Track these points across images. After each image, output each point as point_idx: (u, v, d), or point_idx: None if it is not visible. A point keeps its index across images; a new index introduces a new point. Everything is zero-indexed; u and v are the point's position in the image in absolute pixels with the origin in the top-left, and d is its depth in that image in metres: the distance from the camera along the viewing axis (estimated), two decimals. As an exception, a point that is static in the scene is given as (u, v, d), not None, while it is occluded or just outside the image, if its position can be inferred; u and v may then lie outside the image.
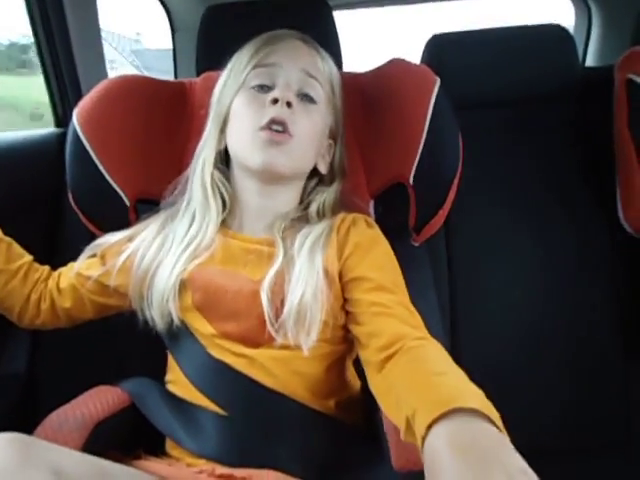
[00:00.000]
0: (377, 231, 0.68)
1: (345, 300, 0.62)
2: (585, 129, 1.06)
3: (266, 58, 0.66)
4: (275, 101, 0.62)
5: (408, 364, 0.51)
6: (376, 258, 0.63)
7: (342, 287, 0.63)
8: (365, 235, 0.65)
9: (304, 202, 0.70)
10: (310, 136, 0.65)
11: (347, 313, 0.62)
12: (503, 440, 0.37)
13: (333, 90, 0.70)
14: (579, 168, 1.05)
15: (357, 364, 0.70)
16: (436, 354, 0.52)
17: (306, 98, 0.65)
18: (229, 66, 0.69)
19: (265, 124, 0.61)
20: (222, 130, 0.68)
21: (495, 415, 0.40)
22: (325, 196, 0.69)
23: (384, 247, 0.66)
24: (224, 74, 0.70)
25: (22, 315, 0.69)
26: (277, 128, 0.61)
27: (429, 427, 0.39)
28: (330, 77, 0.69)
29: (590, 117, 1.06)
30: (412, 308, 0.60)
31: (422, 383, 0.46)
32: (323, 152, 0.70)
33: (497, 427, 0.39)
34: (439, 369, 0.48)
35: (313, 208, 0.68)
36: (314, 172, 0.71)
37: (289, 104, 0.62)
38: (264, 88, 0.65)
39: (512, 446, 0.37)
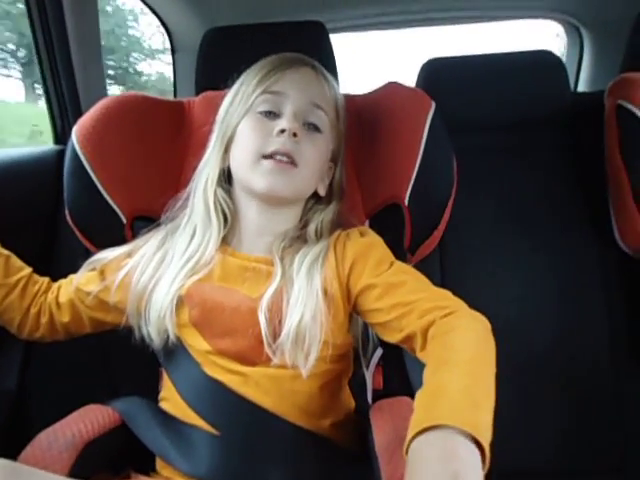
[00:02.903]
0: (371, 237, 0.68)
1: (365, 314, 0.62)
2: (577, 153, 1.08)
3: (274, 85, 0.66)
4: (282, 131, 0.63)
5: (430, 358, 0.52)
6: (375, 261, 0.63)
7: (355, 303, 0.63)
8: (360, 245, 0.65)
9: (302, 220, 0.70)
10: (314, 164, 0.66)
11: (373, 325, 0.63)
12: (468, 464, 0.39)
13: (338, 116, 0.71)
14: (572, 189, 1.07)
15: (352, 384, 0.70)
16: (453, 343, 0.51)
17: (312, 127, 0.66)
18: (236, 87, 0.70)
19: (270, 153, 0.63)
20: (226, 150, 0.69)
21: (482, 435, 0.41)
22: (323, 216, 0.70)
23: (381, 248, 0.66)
24: (230, 94, 0.70)
25: (22, 328, 0.69)
26: (282, 158, 0.63)
27: (414, 436, 0.42)
28: (335, 103, 0.70)
29: (582, 141, 1.08)
30: (425, 284, 0.60)
31: (428, 391, 0.47)
32: (323, 175, 0.71)
33: (483, 448, 0.41)
34: (450, 368, 0.48)
35: (311, 228, 0.68)
36: (313, 192, 0.71)
37: (295, 134, 0.63)
38: (271, 114, 0.66)
39: (478, 473, 0.39)
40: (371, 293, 0.60)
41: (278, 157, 0.63)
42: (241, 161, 0.66)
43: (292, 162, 0.63)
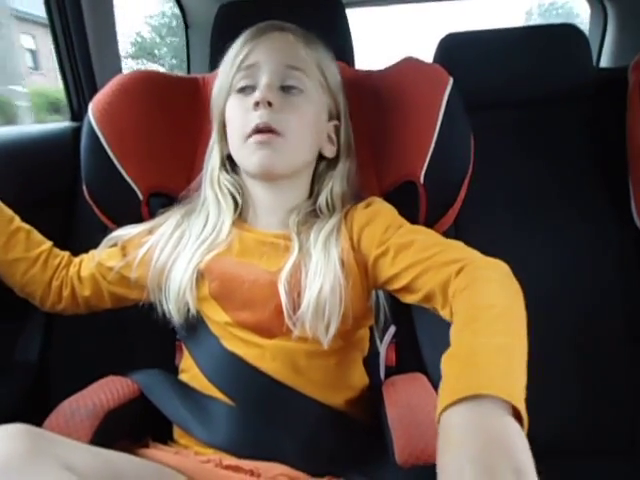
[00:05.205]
0: (377, 205, 0.67)
1: (384, 283, 0.61)
2: (598, 129, 1.05)
3: (247, 59, 0.66)
4: (257, 104, 0.62)
5: (456, 317, 0.49)
6: (383, 227, 0.62)
7: (374, 277, 0.62)
8: (366, 215, 0.65)
9: (314, 191, 0.70)
10: (300, 128, 0.65)
11: (394, 292, 0.61)
12: (512, 436, 0.37)
13: (323, 73, 0.68)
14: (592, 167, 1.04)
15: (367, 362, 0.71)
16: (478, 299, 0.49)
17: (292, 90, 0.65)
18: (220, 68, 0.69)
19: (251, 131, 0.62)
20: (223, 135, 0.70)
21: (518, 401, 0.39)
22: (332, 183, 0.69)
23: (387, 214, 0.65)
24: (218, 77, 0.70)
25: (44, 300, 0.71)
26: (263, 131, 0.62)
27: (448, 406, 0.39)
28: (318, 61, 0.67)
29: (603, 118, 1.05)
30: (436, 238, 0.60)
31: (458, 353, 0.44)
32: (327, 136, 0.70)
33: (520, 414, 0.39)
34: (479, 328, 0.45)
35: (322, 200, 0.68)
36: (323, 156, 0.71)
37: (269, 103, 0.62)
38: (247, 90, 0.65)
39: (522, 443, 0.36)
40: (385, 260, 0.60)
41: (260, 131, 0.62)
42: (232, 145, 0.67)
43: (274, 132, 0.62)
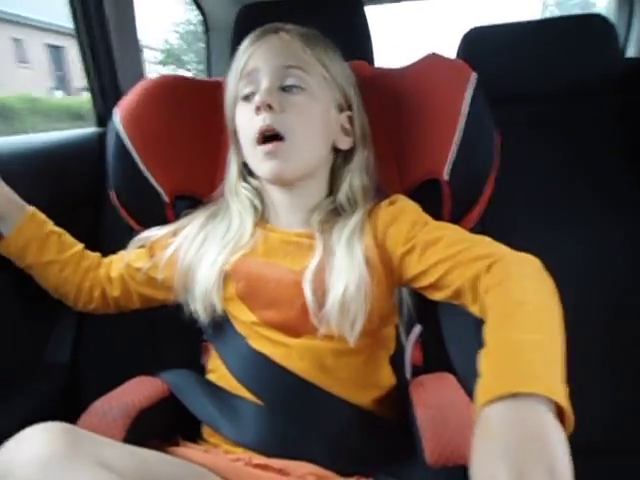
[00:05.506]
0: (402, 202, 0.67)
1: (411, 281, 0.61)
2: (626, 120, 1.03)
3: (247, 65, 0.66)
4: (258, 109, 0.63)
5: (490, 313, 0.48)
6: (409, 224, 0.62)
7: (400, 274, 0.62)
8: (390, 213, 0.65)
9: (333, 188, 0.70)
10: (305, 126, 0.64)
11: (422, 290, 0.61)
12: (550, 434, 0.36)
13: (326, 67, 0.67)
14: (622, 161, 1.02)
15: (393, 361, 0.70)
16: (512, 295, 0.48)
17: (292, 89, 0.64)
18: (228, 77, 0.70)
19: (258, 138, 0.63)
20: (237, 144, 0.70)
21: (561, 398, 0.38)
22: (351, 176, 0.69)
23: (412, 211, 0.65)
24: (227, 87, 0.71)
25: (77, 301, 0.73)
26: (268, 136, 0.62)
27: (488, 403, 0.39)
28: (317, 56, 0.67)
29: (631, 108, 1.02)
30: (463, 234, 0.59)
31: (496, 350, 0.44)
32: (341, 128, 0.69)
33: (564, 411, 0.38)
34: (515, 324, 0.45)
35: (342, 195, 0.68)
36: (339, 150, 0.70)
37: (270, 106, 0.62)
38: (251, 96, 0.65)
39: (561, 443, 0.36)
40: (412, 257, 0.60)
41: (265, 139, 0.62)
42: (245, 152, 0.68)
43: (279, 137, 0.62)
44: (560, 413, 0.38)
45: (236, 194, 0.71)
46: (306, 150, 0.65)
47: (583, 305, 0.96)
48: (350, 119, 0.71)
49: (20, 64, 7.47)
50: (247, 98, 0.66)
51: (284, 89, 0.64)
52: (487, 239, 0.58)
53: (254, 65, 0.66)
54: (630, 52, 1.47)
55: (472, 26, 1.05)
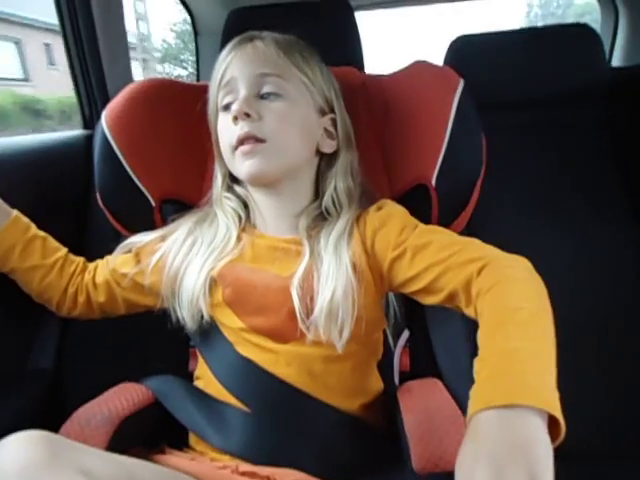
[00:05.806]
0: (389, 207, 0.67)
1: (402, 286, 0.61)
2: (611, 128, 1.04)
3: (225, 75, 0.67)
4: (235, 118, 0.63)
5: (484, 318, 0.49)
6: (397, 229, 0.62)
7: (390, 279, 0.62)
8: (378, 218, 0.65)
9: (318, 192, 0.70)
10: (284, 130, 0.64)
11: (413, 294, 0.61)
12: (536, 444, 0.37)
13: (304, 71, 0.67)
14: (608, 167, 1.03)
15: (381, 366, 0.70)
16: (505, 300, 0.48)
17: (270, 96, 0.65)
18: (210, 87, 0.70)
19: (236, 144, 0.64)
20: (220, 153, 0.71)
21: (553, 408, 0.39)
22: (335, 179, 0.69)
23: (400, 216, 0.65)
24: (209, 97, 0.71)
25: (60, 306, 0.72)
26: (247, 142, 0.63)
27: (481, 410, 0.40)
28: (295, 61, 0.67)
29: (617, 118, 1.04)
30: (454, 237, 0.59)
31: (491, 358, 0.44)
32: (324, 131, 0.69)
33: (557, 420, 0.39)
34: (509, 332, 0.45)
35: (328, 199, 0.68)
36: (324, 154, 0.70)
37: (247, 114, 0.62)
38: (229, 107, 0.66)
39: (546, 458, 0.36)
40: (402, 262, 0.59)
41: (243, 142, 0.63)
42: (227, 162, 0.68)
43: (258, 139, 0.63)
44: (552, 421, 0.39)
45: (221, 204, 0.71)
46: (285, 151, 0.65)
47: (570, 306, 0.97)
48: (333, 122, 0.71)
49: (50, 66, 8.06)
50: (227, 108, 0.67)
51: (262, 97, 0.65)
52: (477, 241, 0.58)
53: (231, 75, 0.66)
54: (615, 61, 1.50)
55: (459, 34, 1.06)
